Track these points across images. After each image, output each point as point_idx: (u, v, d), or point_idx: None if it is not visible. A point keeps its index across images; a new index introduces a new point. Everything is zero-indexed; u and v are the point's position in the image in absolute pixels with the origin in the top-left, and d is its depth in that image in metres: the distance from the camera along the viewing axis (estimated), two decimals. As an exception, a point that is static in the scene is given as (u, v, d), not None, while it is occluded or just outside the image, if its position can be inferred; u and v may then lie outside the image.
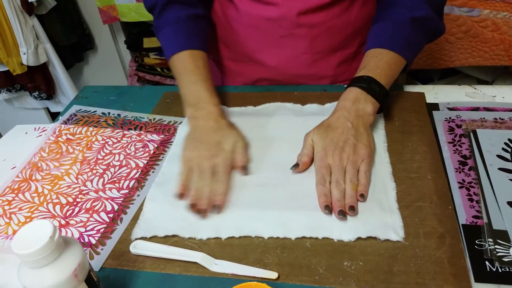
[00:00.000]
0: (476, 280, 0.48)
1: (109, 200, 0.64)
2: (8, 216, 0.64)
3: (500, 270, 0.48)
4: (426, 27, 0.73)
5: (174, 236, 0.57)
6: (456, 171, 0.61)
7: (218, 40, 0.89)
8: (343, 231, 0.54)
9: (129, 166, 0.70)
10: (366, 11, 0.80)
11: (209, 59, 0.87)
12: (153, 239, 0.57)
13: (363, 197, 0.58)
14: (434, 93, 0.78)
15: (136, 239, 0.57)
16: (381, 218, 0.55)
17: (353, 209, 0.56)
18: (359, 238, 0.54)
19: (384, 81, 0.68)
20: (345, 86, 0.81)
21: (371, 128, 0.66)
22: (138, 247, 0.56)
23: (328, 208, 0.57)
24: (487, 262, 0.49)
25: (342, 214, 0.55)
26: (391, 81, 0.70)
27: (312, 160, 0.64)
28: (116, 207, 0.63)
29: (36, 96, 1.91)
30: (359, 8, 0.79)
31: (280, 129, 0.73)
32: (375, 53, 0.71)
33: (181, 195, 0.62)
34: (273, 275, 0.50)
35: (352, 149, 0.62)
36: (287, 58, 0.83)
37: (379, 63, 0.69)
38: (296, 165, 0.63)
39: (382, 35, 0.73)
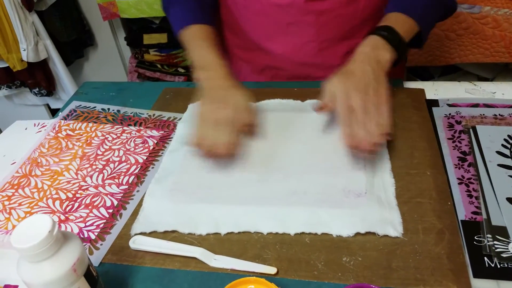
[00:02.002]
0: (475, 276, 0.48)
1: (108, 196, 0.64)
2: (7, 211, 0.64)
3: (498, 266, 0.49)
4: (444, 3, 0.76)
5: (173, 231, 0.57)
6: (456, 167, 0.61)
7: (227, 28, 0.90)
8: (342, 226, 0.54)
9: (128, 161, 0.70)
10: (374, 2, 0.80)
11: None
12: (153, 234, 0.57)
13: (387, 135, 0.60)
14: (434, 89, 0.77)
15: (135, 234, 0.57)
16: (380, 214, 0.55)
17: (378, 145, 0.59)
18: (358, 234, 0.54)
19: (403, 33, 0.69)
20: None
21: None
22: (138, 243, 0.56)
23: (355, 148, 0.60)
24: (486, 258, 0.49)
25: (371, 153, 0.59)
26: (409, 37, 0.71)
27: (330, 106, 0.64)
28: (115, 202, 0.63)
29: (36, 92, 1.90)
30: None
31: (280, 125, 0.73)
32: (396, 14, 0.72)
33: (190, 143, 0.65)
34: (272, 270, 0.51)
35: (373, 92, 0.62)
36: (294, 46, 0.83)
37: (398, 19, 0.71)
38: (317, 103, 0.65)
39: (403, 1, 0.74)
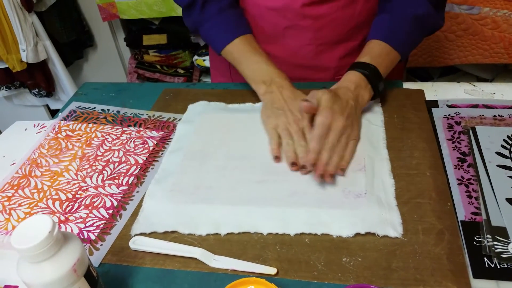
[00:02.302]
0: (475, 276, 0.48)
1: (108, 196, 0.64)
2: (7, 212, 0.64)
3: (498, 266, 0.49)
4: (426, 24, 0.75)
5: (173, 232, 0.57)
6: (455, 168, 0.61)
7: None
8: (342, 227, 0.55)
9: (128, 162, 0.70)
10: (371, 5, 0.80)
11: None
12: (153, 235, 0.57)
13: (342, 171, 0.62)
14: (433, 90, 0.78)
15: (135, 235, 0.57)
16: (379, 215, 0.55)
17: (331, 177, 0.60)
18: (357, 234, 0.54)
19: (383, 71, 0.72)
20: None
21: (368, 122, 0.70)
22: (138, 243, 0.56)
23: (295, 166, 0.62)
24: (485, 258, 0.50)
25: (321, 177, 0.60)
26: (386, 74, 0.73)
27: (315, 112, 0.65)
28: (115, 203, 0.63)
29: (36, 93, 1.91)
30: (364, 2, 0.79)
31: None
32: (378, 43, 0.74)
33: (276, 158, 0.66)
34: (272, 270, 0.51)
35: (351, 123, 0.65)
36: (291, 49, 0.84)
37: (381, 52, 0.73)
38: (306, 100, 0.65)
39: (385, 28, 0.75)
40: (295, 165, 0.63)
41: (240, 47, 0.78)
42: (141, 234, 0.58)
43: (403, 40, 0.74)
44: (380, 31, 0.75)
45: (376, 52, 0.72)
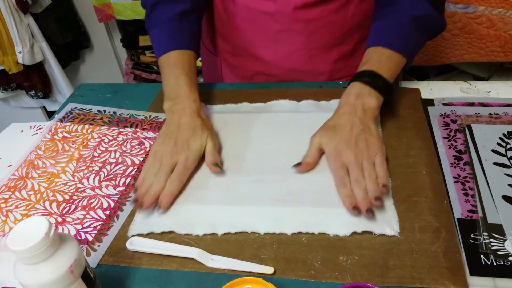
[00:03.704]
0: (471, 274, 0.48)
1: (105, 197, 0.64)
2: (4, 214, 0.64)
3: (495, 264, 0.49)
4: (427, 25, 0.72)
5: (170, 232, 0.57)
6: (451, 166, 0.62)
7: (218, 33, 0.89)
8: (339, 226, 0.55)
9: (125, 163, 0.70)
10: (364, 9, 0.79)
11: (209, 51, 0.91)
12: (150, 235, 0.57)
13: (385, 187, 0.57)
14: (429, 89, 0.78)
15: (132, 236, 0.57)
16: (376, 213, 0.55)
17: (379, 200, 0.55)
18: (354, 233, 0.54)
19: (387, 74, 0.67)
20: (341, 82, 0.81)
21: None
22: (135, 244, 0.56)
23: (356, 210, 0.55)
24: (482, 256, 0.50)
25: (371, 213, 0.55)
26: (394, 75, 0.70)
27: (315, 163, 0.64)
28: (112, 204, 0.63)
29: (33, 95, 1.90)
30: (357, 5, 0.78)
31: (276, 125, 0.73)
32: (376, 49, 0.70)
33: (135, 189, 0.62)
34: (269, 270, 0.51)
35: (365, 144, 0.61)
36: (283, 53, 0.83)
37: (381, 57, 0.69)
38: (298, 164, 0.63)
39: (382, 33, 0.72)
40: (136, 201, 0.60)
41: (169, 59, 0.74)
42: (138, 234, 0.58)
43: (403, 42, 0.70)
44: (376, 37, 0.72)
45: (375, 59, 0.69)
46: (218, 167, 0.64)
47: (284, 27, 0.79)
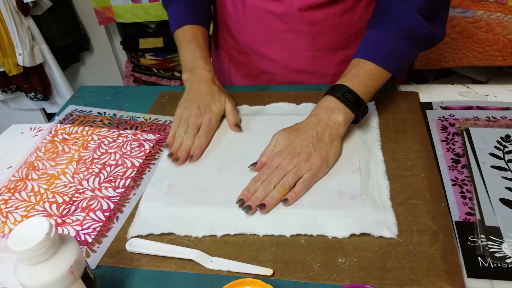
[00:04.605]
0: (469, 276, 0.49)
1: (105, 199, 0.64)
2: (4, 215, 0.64)
3: (492, 266, 0.49)
4: (415, 36, 0.69)
5: (170, 234, 0.58)
6: (449, 169, 0.62)
7: (225, 30, 0.90)
8: (337, 228, 0.55)
9: (125, 165, 0.70)
10: (370, 13, 0.77)
11: (218, 48, 0.95)
12: (149, 237, 0.58)
13: (286, 201, 0.59)
14: (428, 92, 0.78)
15: (132, 237, 0.58)
16: (374, 215, 0.56)
17: (263, 207, 0.58)
18: (353, 235, 0.54)
19: (362, 91, 0.66)
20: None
21: (341, 138, 0.66)
22: (134, 245, 0.56)
23: (240, 202, 0.59)
24: (479, 258, 0.50)
25: (248, 209, 0.58)
26: (371, 91, 0.68)
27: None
28: (112, 205, 0.63)
29: (32, 97, 1.90)
30: (364, 9, 0.79)
31: (275, 128, 0.73)
32: (357, 62, 0.69)
33: (168, 145, 0.71)
34: (268, 271, 0.51)
35: (305, 157, 0.62)
36: (289, 53, 0.84)
37: (359, 72, 0.68)
38: (254, 164, 0.65)
39: (366, 44, 0.71)
40: (172, 155, 0.69)
41: (185, 33, 0.81)
42: (137, 236, 0.58)
43: (387, 55, 0.68)
44: (362, 48, 0.71)
45: (353, 73, 0.68)
46: (239, 127, 0.74)
47: (290, 27, 0.80)
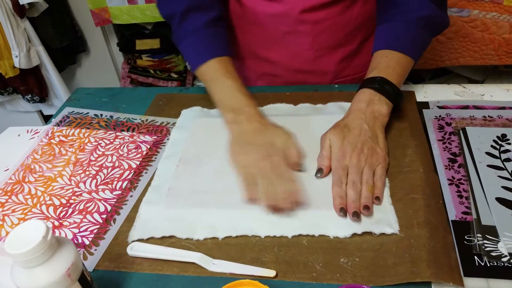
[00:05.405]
0: (466, 275, 0.49)
1: (102, 201, 0.64)
2: (1, 218, 0.64)
3: (488, 265, 0.49)
4: (431, 24, 0.74)
5: (171, 237, 0.57)
6: (446, 168, 0.62)
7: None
8: (339, 228, 0.55)
9: (121, 167, 0.70)
10: (367, 9, 0.81)
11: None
12: (150, 240, 0.57)
13: (378, 199, 0.58)
14: (424, 92, 0.79)
15: (133, 241, 0.57)
16: (375, 214, 0.56)
17: (367, 209, 0.56)
18: (354, 235, 0.54)
19: (396, 80, 0.69)
20: (336, 86, 0.82)
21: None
22: (135, 249, 0.56)
23: (343, 211, 0.56)
24: (476, 257, 0.50)
25: (356, 216, 0.55)
26: (403, 80, 0.71)
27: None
28: (109, 208, 0.63)
29: (29, 99, 1.90)
30: (361, 6, 0.80)
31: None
32: (384, 53, 0.72)
33: (252, 200, 0.59)
34: (271, 273, 0.51)
35: (370, 152, 0.62)
36: (290, 54, 0.84)
37: (389, 62, 0.70)
38: (319, 171, 0.62)
39: (388, 36, 0.73)
40: (276, 208, 0.58)
41: (214, 69, 0.74)
42: (138, 240, 0.57)
43: (411, 43, 0.72)
44: (384, 40, 0.73)
45: (384, 64, 0.70)
46: (299, 166, 0.64)
47: (291, 28, 0.80)
